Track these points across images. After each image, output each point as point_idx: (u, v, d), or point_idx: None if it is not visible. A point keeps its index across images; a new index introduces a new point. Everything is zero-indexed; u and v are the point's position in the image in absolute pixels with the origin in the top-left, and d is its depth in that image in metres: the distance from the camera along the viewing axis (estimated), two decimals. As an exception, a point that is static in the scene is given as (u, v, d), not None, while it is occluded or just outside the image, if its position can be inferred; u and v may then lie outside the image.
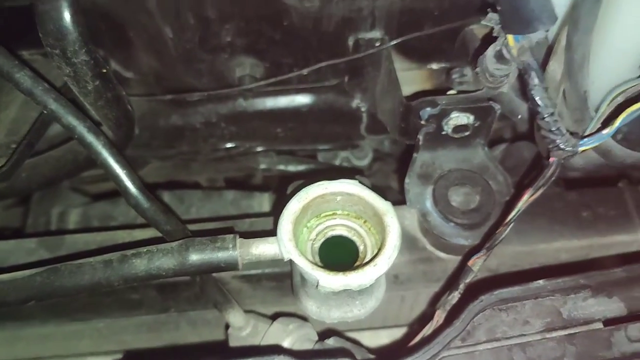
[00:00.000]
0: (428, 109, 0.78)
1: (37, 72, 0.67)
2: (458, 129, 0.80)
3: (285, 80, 0.97)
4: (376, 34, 0.89)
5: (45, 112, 0.65)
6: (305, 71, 0.91)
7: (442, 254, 0.83)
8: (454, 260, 0.83)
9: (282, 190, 1.13)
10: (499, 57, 0.63)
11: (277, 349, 0.71)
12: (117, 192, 1.16)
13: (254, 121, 1.05)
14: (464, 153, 0.84)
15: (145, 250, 0.65)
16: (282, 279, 0.84)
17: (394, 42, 0.88)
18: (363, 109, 1.04)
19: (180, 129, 1.04)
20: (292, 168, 1.15)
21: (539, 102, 0.56)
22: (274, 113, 1.04)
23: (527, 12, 0.52)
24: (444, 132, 0.81)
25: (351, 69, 0.97)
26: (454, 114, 0.79)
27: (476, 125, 0.80)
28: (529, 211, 0.67)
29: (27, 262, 0.77)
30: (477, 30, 0.84)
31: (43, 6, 0.65)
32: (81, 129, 0.65)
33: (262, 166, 1.14)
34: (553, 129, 0.56)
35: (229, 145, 1.09)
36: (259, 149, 1.11)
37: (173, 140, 1.06)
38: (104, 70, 0.71)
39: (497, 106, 0.77)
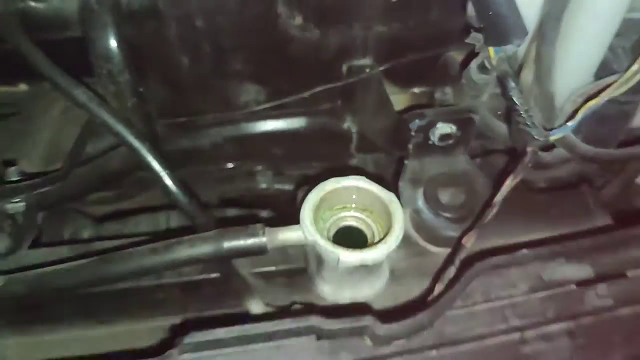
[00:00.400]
0: (417, 120, 0.92)
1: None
2: (443, 138, 0.93)
3: (285, 104, 1.09)
4: (367, 61, 1.03)
5: (98, 121, 0.75)
6: (306, 94, 1.04)
7: (433, 248, 0.95)
8: (444, 253, 0.94)
9: (279, 206, 1.24)
10: (481, 68, 0.77)
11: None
12: (124, 213, 1.25)
13: (255, 142, 1.16)
14: (448, 160, 0.97)
15: (186, 238, 0.75)
16: (293, 275, 0.94)
17: (383, 67, 1.02)
18: (353, 130, 1.17)
19: (189, 151, 1.15)
20: (288, 187, 1.26)
21: (517, 102, 0.69)
22: (273, 134, 1.16)
23: (504, 28, 0.66)
24: (430, 142, 0.94)
25: (344, 93, 1.10)
26: (440, 125, 0.92)
27: (458, 135, 0.93)
28: (506, 211, 0.80)
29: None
30: (455, 55, 0.99)
31: (94, 33, 0.77)
32: (129, 135, 0.76)
33: (261, 185, 1.25)
34: (528, 123, 0.70)
35: (231, 165, 1.20)
36: (259, 168, 1.22)
37: (182, 162, 1.16)
38: (140, 89, 0.83)
39: (476, 117, 0.91)
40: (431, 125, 0.92)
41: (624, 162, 0.90)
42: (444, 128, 0.92)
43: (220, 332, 0.67)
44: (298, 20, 0.93)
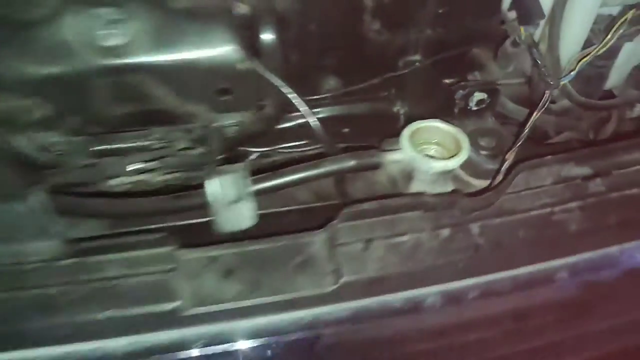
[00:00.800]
0: (461, 91, 1.34)
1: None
2: (478, 103, 1.35)
3: (353, 92, 1.50)
4: (417, 57, 1.45)
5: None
6: (374, 81, 1.45)
7: (474, 181, 1.34)
8: (482, 184, 1.34)
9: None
10: (513, 43, 1.20)
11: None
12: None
13: (329, 123, 1.55)
14: (480, 121, 1.39)
15: (330, 158, 1.13)
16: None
17: (429, 61, 1.44)
18: (401, 112, 1.58)
19: (283, 130, 1.53)
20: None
21: (539, 61, 1.12)
22: (342, 116, 1.55)
23: (530, 13, 1.09)
24: (469, 107, 1.36)
25: (397, 83, 1.52)
26: (476, 93, 1.34)
27: (488, 101, 1.36)
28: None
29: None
30: (480, 51, 1.42)
31: (262, 29, 1.16)
32: (289, 91, 1.15)
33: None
34: (546, 74, 1.12)
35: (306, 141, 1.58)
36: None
37: (277, 140, 1.54)
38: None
39: (500, 88, 1.34)
40: (470, 94, 1.35)
41: (602, 109, 1.34)
42: (479, 96, 1.35)
43: (371, 204, 1.05)
44: (376, 26, 1.35)
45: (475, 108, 1.36)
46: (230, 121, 1.08)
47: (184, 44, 0.94)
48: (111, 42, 0.89)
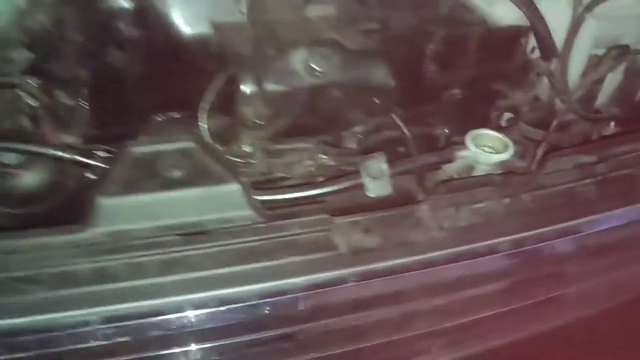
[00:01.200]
0: (495, 112, 1.86)
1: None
2: (508, 120, 1.88)
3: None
4: (458, 91, 1.98)
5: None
6: (429, 109, 1.96)
7: (508, 176, 1.85)
8: (515, 177, 1.85)
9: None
10: (537, 74, 1.74)
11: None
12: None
13: (387, 143, 2.04)
14: (509, 134, 1.91)
15: (419, 156, 1.62)
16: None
17: (469, 93, 1.97)
18: (442, 135, 2.09)
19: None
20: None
21: (556, 85, 1.66)
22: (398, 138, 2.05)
23: (549, 52, 1.63)
24: (500, 124, 1.89)
25: (441, 111, 2.03)
26: (505, 113, 1.87)
27: (515, 119, 1.89)
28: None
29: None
30: (506, 83, 1.96)
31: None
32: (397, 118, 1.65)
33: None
34: (561, 94, 1.66)
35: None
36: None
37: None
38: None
39: (522, 109, 1.88)
40: (501, 114, 1.88)
41: (597, 120, 1.89)
42: (508, 115, 1.88)
43: (457, 182, 1.54)
44: (432, 68, 1.88)
45: (504, 125, 1.88)
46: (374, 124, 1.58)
47: (359, 70, 1.44)
48: (319, 68, 1.40)
